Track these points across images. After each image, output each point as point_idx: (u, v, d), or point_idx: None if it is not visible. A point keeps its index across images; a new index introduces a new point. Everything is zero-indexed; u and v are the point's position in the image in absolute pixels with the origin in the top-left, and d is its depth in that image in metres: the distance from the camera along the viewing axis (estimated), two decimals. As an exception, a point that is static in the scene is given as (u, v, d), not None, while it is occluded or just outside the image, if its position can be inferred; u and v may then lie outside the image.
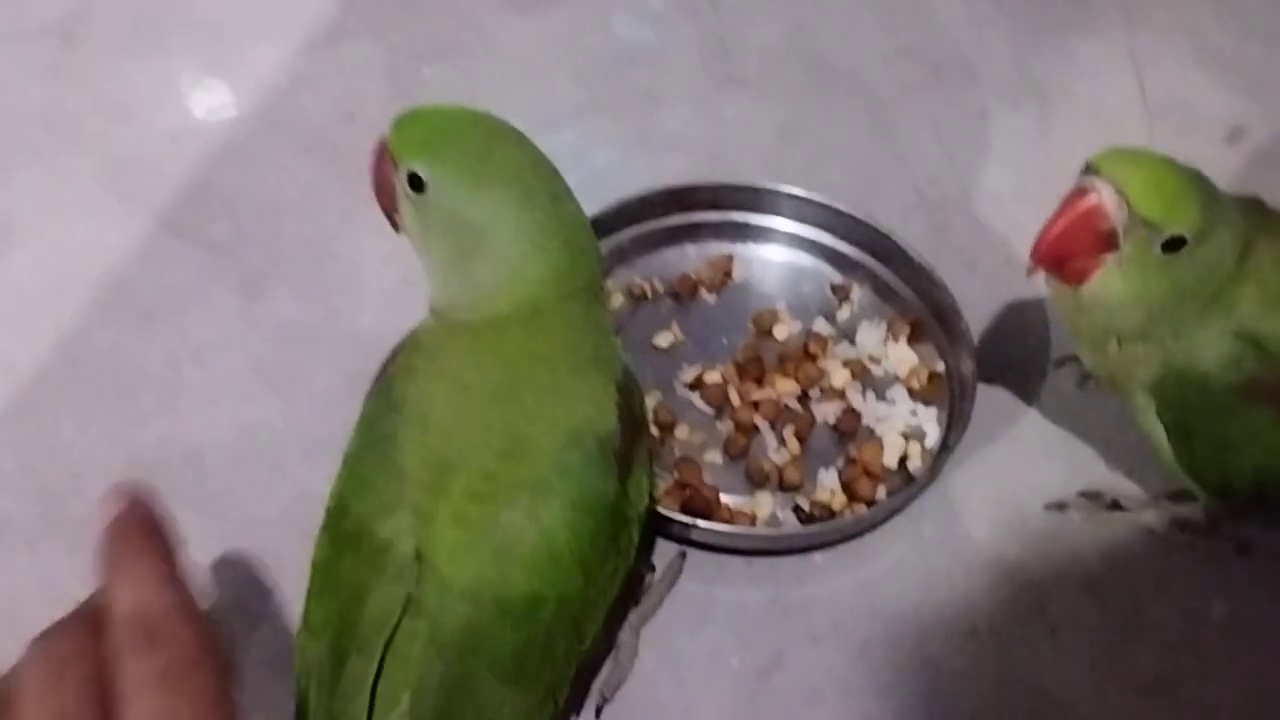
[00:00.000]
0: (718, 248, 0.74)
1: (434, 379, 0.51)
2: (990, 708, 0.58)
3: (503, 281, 0.51)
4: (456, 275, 0.52)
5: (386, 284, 0.72)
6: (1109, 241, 0.53)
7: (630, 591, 0.60)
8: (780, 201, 0.74)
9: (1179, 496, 0.64)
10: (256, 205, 0.76)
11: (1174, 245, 0.52)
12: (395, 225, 0.54)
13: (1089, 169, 0.53)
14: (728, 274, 0.73)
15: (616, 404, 0.51)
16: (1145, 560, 0.63)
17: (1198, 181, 0.52)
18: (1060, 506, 0.65)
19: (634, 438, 0.52)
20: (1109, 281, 0.54)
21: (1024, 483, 0.66)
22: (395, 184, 0.51)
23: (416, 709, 0.46)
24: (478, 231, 0.50)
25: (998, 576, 0.63)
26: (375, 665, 0.46)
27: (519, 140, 0.52)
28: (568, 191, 0.52)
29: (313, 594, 0.50)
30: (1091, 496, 0.65)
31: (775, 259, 0.74)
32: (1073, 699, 0.58)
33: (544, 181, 0.51)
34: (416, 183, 0.50)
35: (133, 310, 0.71)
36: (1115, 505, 0.65)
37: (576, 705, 0.57)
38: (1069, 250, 0.53)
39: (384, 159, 0.52)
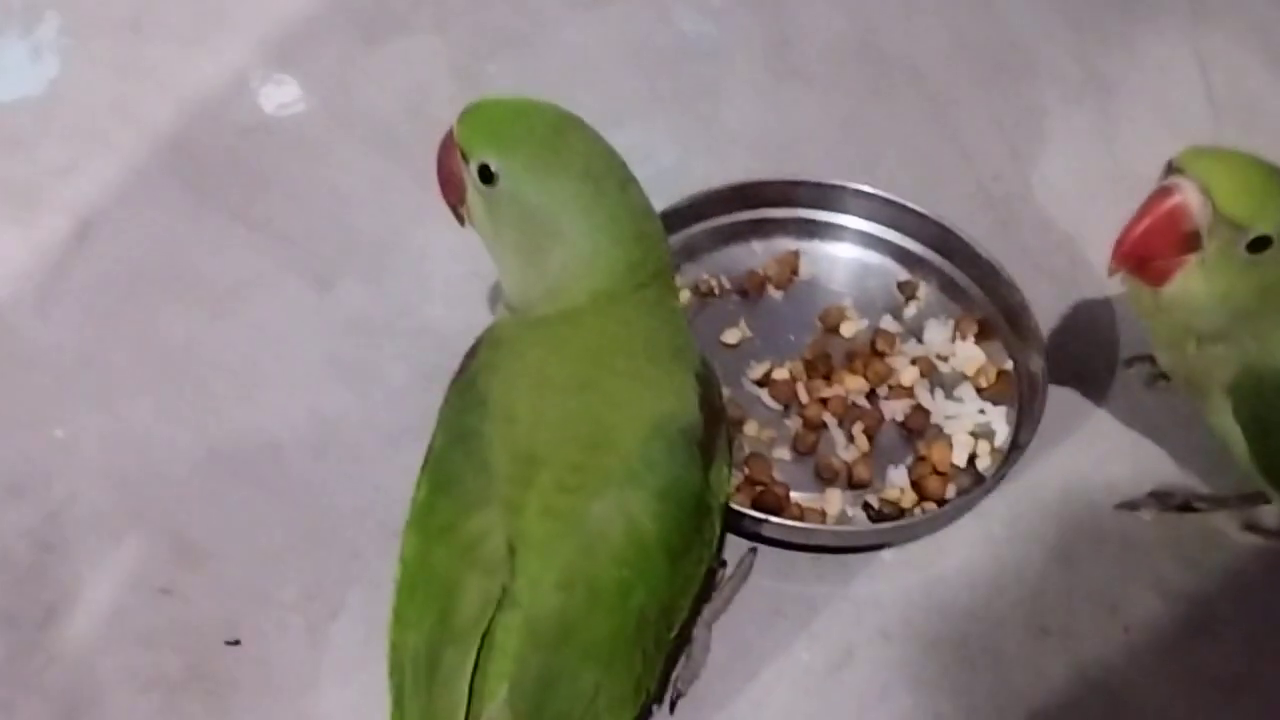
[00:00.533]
0: (784, 244, 0.75)
1: (516, 373, 0.52)
2: (1062, 706, 0.58)
3: (577, 272, 0.51)
4: (530, 268, 0.52)
5: (455, 276, 0.73)
6: (1192, 242, 0.52)
7: (703, 588, 0.61)
8: (847, 198, 0.74)
9: (1251, 498, 0.64)
10: (325, 198, 0.77)
11: (1259, 245, 0.52)
12: (460, 219, 0.55)
13: (1172, 168, 0.53)
14: (794, 271, 0.74)
15: (697, 393, 0.52)
16: (1217, 562, 0.63)
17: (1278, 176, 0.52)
18: (1131, 506, 0.65)
19: (714, 427, 0.53)
20: (1191, 282, 0.54)
21: (1093, 483, 0.66)
22: (464, 177, 0.52)
23: (515, 699, 0.47)
24: (550, 222, 0.51)
25: (1068, 576, 0.63)
26: (472, 658, 0.47)
27: (586, 130, 0.52)
28: (634, 180, 0.53)
29: (404, 589, 0.51)
30: (1162, 496, 0.65)
31: (842, 255, 0.75)
32: (1145, 698, 0.59)
33: (612, 171, 0.52)
34: (487, 175, 0.51)
35: (207, 301, 0.72)
36: (1186, 506, 0.65)
37: (656, 698, 0.58)
38: (1152, 251, 0.53)
39: (451, 151, 0.53)
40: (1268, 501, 0.63)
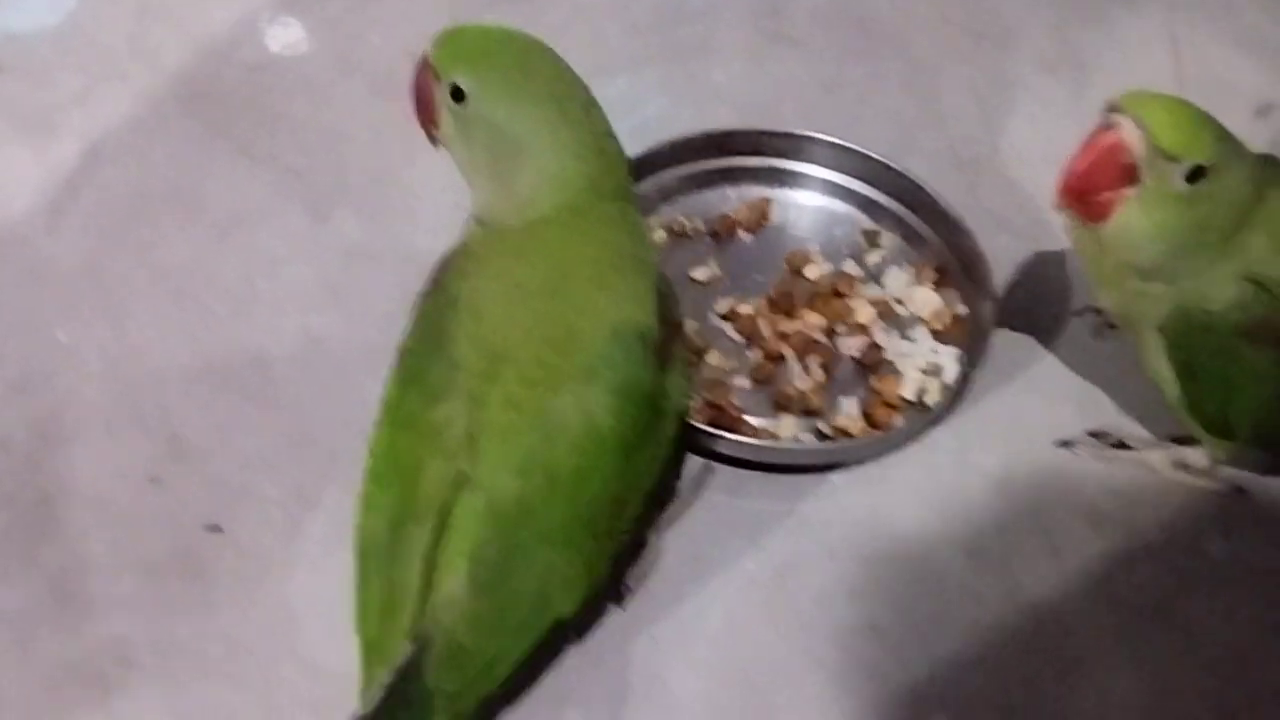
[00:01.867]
0: (756, 191, 0.78)
1: (486, 278, 0.56)
2: (991, 620, 0.62)
3: (543, 185, 0.55)
4: (498, 181, 0.56)
5: (442, 209, 0.76)
6: (1131, 175, 0.56)
7: (659, 498, 0.64)
8: (817, 149, 0.78)
9: (1183, 440, 0.67)
10: (325, 135, 0.81)
11: (1194, 176, 0.55)
12: (433, 139, 0.59)
13: (1111, 107, 0.56)
14: (765, 216, 0.77)
15: (655, 303, 0.55)
16: (1147, 496, 0.67)
17: (1214, 122, 0.56)
18: (1068, 444, 0.68)
19: (670, 337, 0.56)
20: (1131, 215, 0.57)
21: (1036, 421, 0.69)
22: (436, 96, 0.56)
23: (475, 573, 0.51)
24: (517, 138, 0.55)
25: (1005, 503, 0.66)
26: (430, 532, 0.51)
27: (552, 56, 0.56)
28: (597, 105, 0.57)
29: (371, 476, 0.55)
30: (1099, 435, 0.69)
31: (810, 204, 0.78)
32: (1070, 616, 0.62)
33: (575, 94, 0.56)
34: (458, 94, 0.55)
35: (209, 225, 0.76)
36: (1121, 444, 0.68)
37: (606, 593, 0.61)
38: (1093, 184, 0.57)
39: (425, 73, 0.57)
40: (1198, 443, 0.66)
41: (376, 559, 0.53)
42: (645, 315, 0.55)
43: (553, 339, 0.54)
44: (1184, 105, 0.56)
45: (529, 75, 0.55)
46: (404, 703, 0.50)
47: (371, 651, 0.52)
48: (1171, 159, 0.55)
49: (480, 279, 0.56)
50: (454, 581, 0.51)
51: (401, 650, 0.50)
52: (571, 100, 0.56)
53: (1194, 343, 0.60)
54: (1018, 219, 0.79)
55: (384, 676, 0.50)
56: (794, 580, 0.63)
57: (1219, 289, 0.58)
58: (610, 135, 0.57)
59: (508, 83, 0.55)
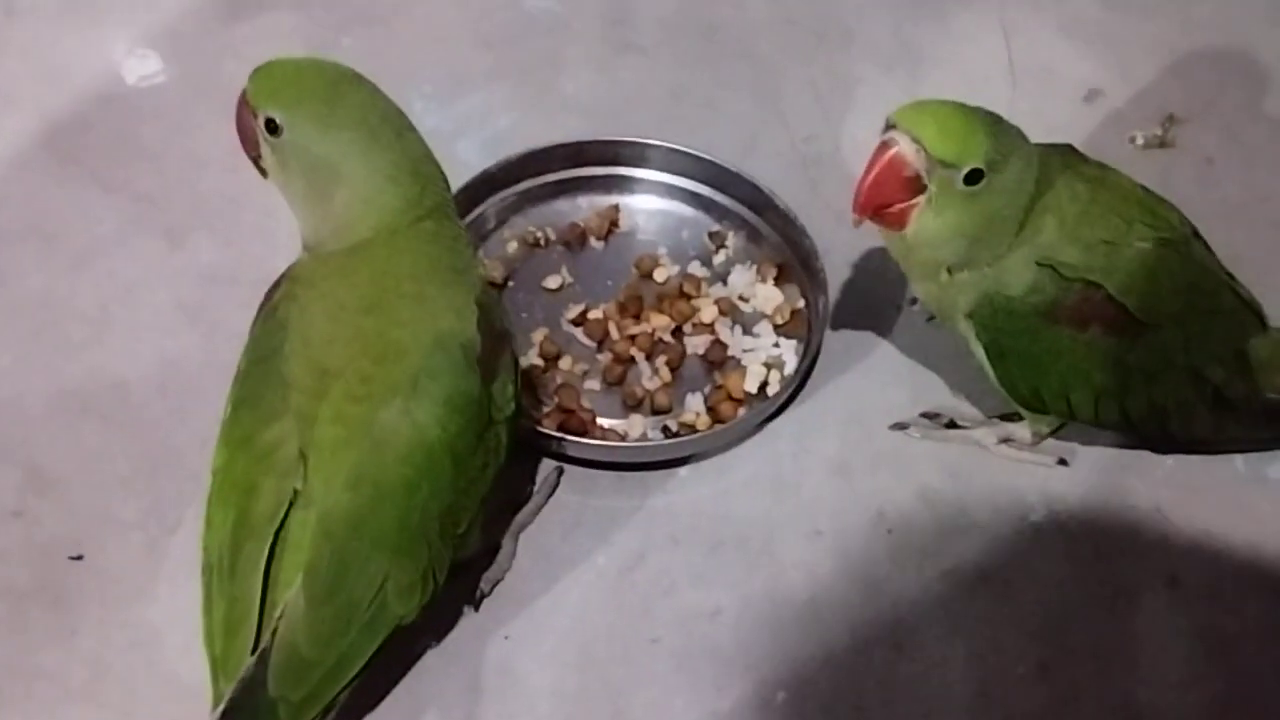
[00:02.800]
0: (605, 199, 0.81)
1: (313, 300, 0.58)
2: (828, 596, 0.65)
3: (359, 211, 0.57)
4: (318, 209, 0.58)
5: (298, 232, 0.78)
6: (916, 185, 0.59)
7: (511, 503, 0.67)
8: (663, 156, 0.81)
9: (1009, 417, 0.71)
10: (181, 162, 0.83)
11: (973, 178, 0.59)
12: (262, 171, 0.61)
13: (889, 124, 0.60)
14: (614, 223, 0.80)
15: (476, 314, 0.58)
16: (975, 472, 0.71)
17: (987, 121, 0.59)
18: (902, 426, 0.72)
19: (496, 347, 0.59)
20: (924, 220, 0.60)
21: (872, 406, 0.73)
22: (255, 130, 0.58)
23: (310, 585, 0.53)
24: (332, 166, 0.57)
25: (842, 486, 0.70)
26: (267, 547, 0.53)
27: (364, 85, 0.58)
28: (411, 127, 0.59)
29: (212, 497, 0.57)
30: (931, 416, 0.72)
31: (658, 209, 0.81)
32: (902, 589, 0.66)
33: (388, 120, 0.58)
34: (273, 127, 0.57)
35: (64, 256, 0.77)
36: (952, 424, 0.72)
37: (462, 598, 0.64)
38: (882, 197, 0.60)
39: (244, 107, 0.58)
40: (1021, 419, 0.70)
41: (220, 577, 0.55)
42: (467, 326, 0.57)
43: (376, 353, 0.56)
44: (956, 113, 0.59)
45: (339, 104, 0.57)
46: (249, 714, 0.52)
47: (218, 668, 0.54)
48: (949, 166, 0.58)
49: (306, 301, 0.58)
50: (291, 594, 0.53)
51: (246, 664, 0.53)
52: (384, 125, 0.58)
53: (1000, 326, 0.64)
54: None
55: (230, 691, 0.52)
56: (641, 571, 0.66)
57: (1017, 275, 0.62)
58: (427, 158, 0.59)
59: (318, 113, 0.57)
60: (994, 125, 0.59)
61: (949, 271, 0.64)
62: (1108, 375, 0.64)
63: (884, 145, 0.59)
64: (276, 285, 0.61)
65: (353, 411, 0.55)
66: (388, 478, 0.54)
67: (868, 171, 0.60)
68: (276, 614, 0.53)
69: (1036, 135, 0.63)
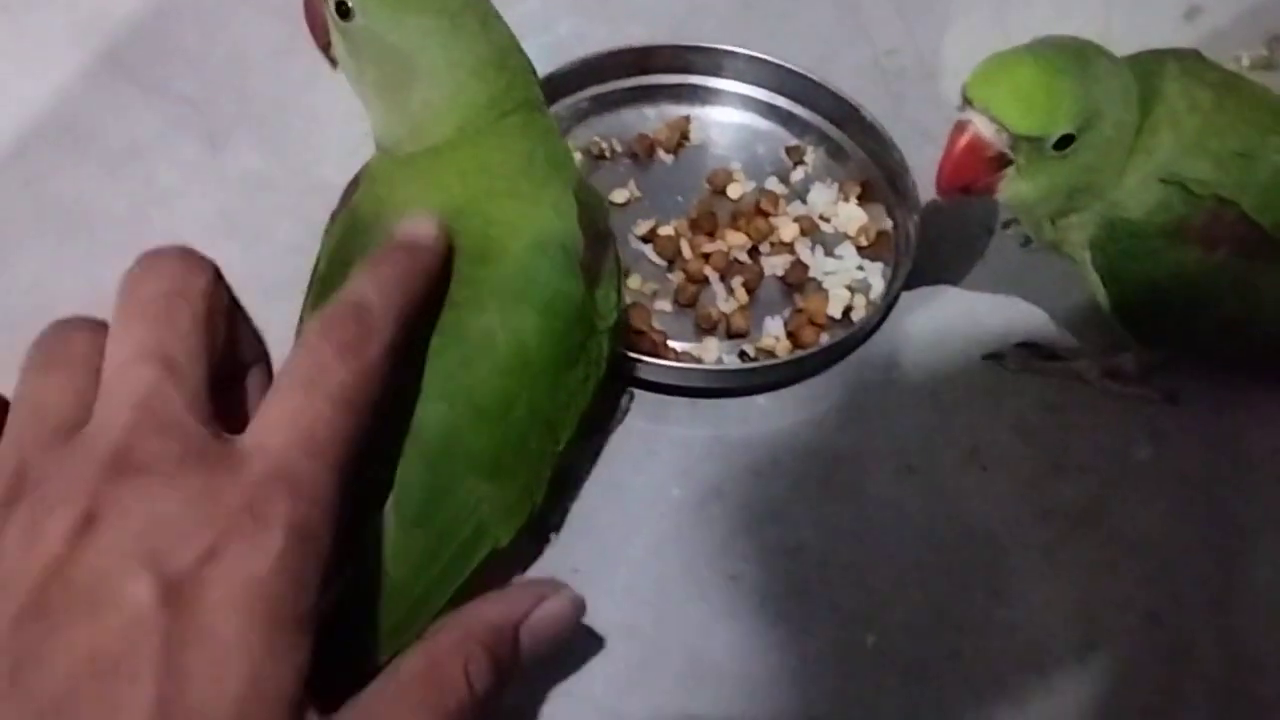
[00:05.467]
0: (675, 110, 0.76)
1: (394, 202, 0.52)
2: (918, 536, 0.61)
3: (440, 108, 0.52)
4: (394, 105, 0.53)
5: (348, 139, 0.72)
6: (1001, 160, 0.54)
7: (584, 428, 0.62)
8: (737, 64, 0.75)
9: (1113, 348, 0.66)
10: (223, 62, 0.77)
11: (1064, 144, 0.53)
12: (332, 60, 0.55)
13: (964, 98, 0.54)
14: (685, 136, 0.75)
15: (577, 211, 0.53)
16: (1076, 406, 0.65)
17: (1073, 75, 0.53)
18: (997, 357, 0.67)
19: (599, 248, 0.54)
20: (1016, 189, 0.56)
21: (964, 336, 0.68)
22: (324, 12, 0.52)
23: (401, 510, 0.48)
24: (408, 58, 0.51)
25: (932, 420, 0.65)
26: None
27: None
28: (497, 17, 0.53)
29: None
30: (1028, 347, 0.67)
31: (732, 121, 0.76)
32: (998, 530, 0.61)
33: (470, 5, 0.52)
34: (343, 9, 0.51)
35: (99, 158, 0.72)
36: (1051, 355, 0.67)
37: (529, 527, 0.59)
38: (966, 180, 0.55)
39: None
40: (1128, 351, 0.65)
41: None
42: (567, 224, 0.52)
43: (470, 255, 0.50)
44: (1037, 76, 0.53)
45: None
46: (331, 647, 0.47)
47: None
48: (1033, 140, 0.53)
49: (392, 203, 0.53)
50: (378, 518, 0.48)
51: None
52: (467, 11, 0.52)
53: (1121, 251, 0.58)
54: (941, 130, 0.76)
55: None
56: (718, 505, 0.61)
57: (1137, 196, 0.57)
58: (513, 48, 0.54)
59: None
60: (1081, 77, 0.53)
61: (1052, 221, 0.59)
62: (1236, 302, 0.58)
63: (960, 126, 0.54)
64: (353, 185, 0.56)
65: (446, 318, 0.49)
66: (483, 390, 0.49)
67: (947, 154, 0.55)
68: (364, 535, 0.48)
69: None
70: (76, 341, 0.38)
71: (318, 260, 0.55)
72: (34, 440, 0.35)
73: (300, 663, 0.34)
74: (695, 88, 0.76)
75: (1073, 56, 0.54)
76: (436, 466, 0.49)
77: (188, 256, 0.40)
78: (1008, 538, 0.61)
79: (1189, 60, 0.59)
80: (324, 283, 0.54)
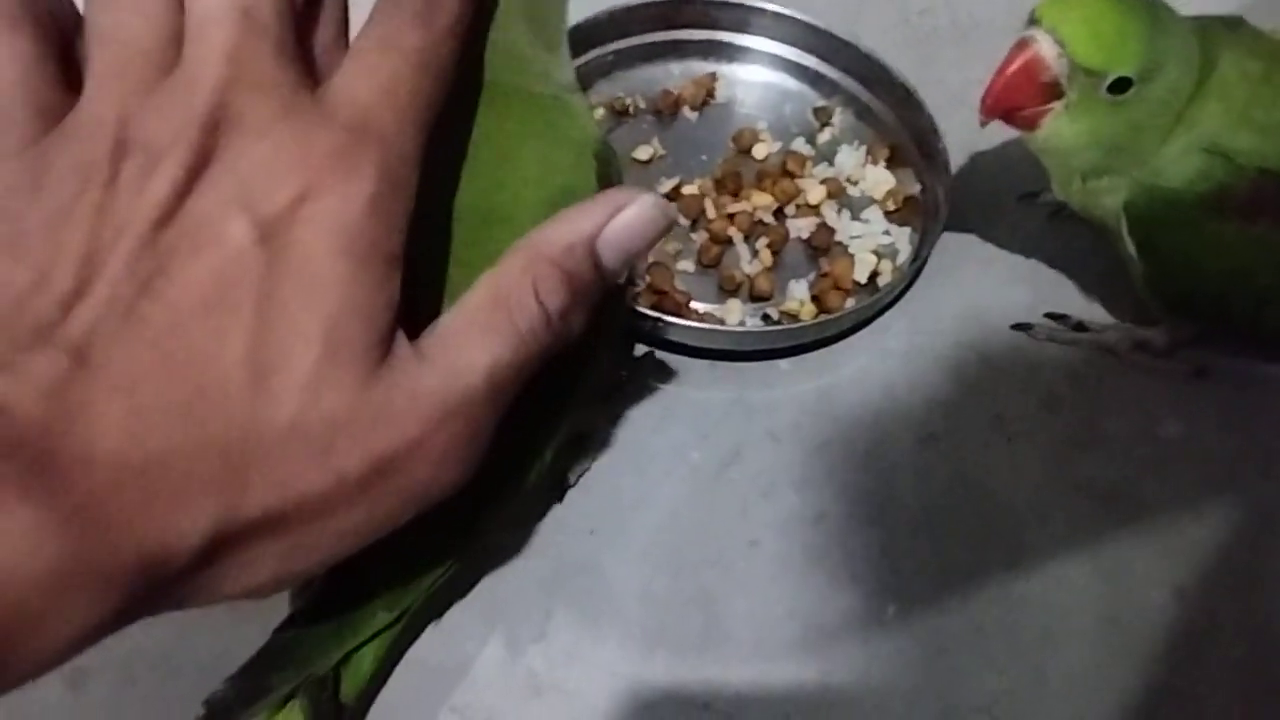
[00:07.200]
0: (701, 66, 0.74)
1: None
2: (941, 507, 0.60)
3: None
4: None
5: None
6: (1054, 90, 0.53)
7: (601, 390, 0.61)
8: (765, 21, 0.74)
9: (1143, 321, 0.65)
10: None
11: (1120, 87, 0.52)
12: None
13: (1032, 18, 0.53)
14: (710, 93, 0.73)
15: (595, 168, 0.51)
16: (1104, 379, 0.64)
17: (1147, 20, 0.52)
18: (1025, 327, 0.66)
19: None
20: (1059, 127, 0.54)
21: (991, 304, 0.67)
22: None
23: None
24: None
25: (958, 388, 0.64)
26: None
27: None
28: None
29: None
30: (1057, 318, 0.66)
31: (759, 80, 0.74)
32: (1022, 502, 0.60)
33: None
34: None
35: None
36: (1080, 326, 0.66)
37: (546, 486, 0.58)
38: (1014, 102, 0.54)
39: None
40: (1158, 324, 0.64)
41: None
42: (583, 181, 0.51)
43: (482, 215, 0.49)
44: (1111, 10, 0.52)
45: None
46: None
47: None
48: (1093, 73, 0.51)
49: None
50: None
51: None
52: None
53: (1157, 220, 0.57)
54: (973, 93, 0.74)
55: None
56: (738, 469, 0.60)
57: (1178, 165, 0.55)
58: None
59: None
60: (1154, 25, 0.52)
61: (1082, 179, 0.58)
62: (1274, 277, 0.57)
63: (1022, 43, 0.52)
64: None
65: (456, 276, 0.48)
66: None
67: (1001, 70, 0.53)
68: None
69: (1191, 12, 0.56)
70: None
71: None
72: (133, 88, 0.36)
73: (390, 295, 0.36)
74: (722, 44, 0.74)
75: (1147, 3, 0.53)
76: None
77: None
78: (1031, 510, 0.60)
79: (1243, 29, 0.57)
80: None
